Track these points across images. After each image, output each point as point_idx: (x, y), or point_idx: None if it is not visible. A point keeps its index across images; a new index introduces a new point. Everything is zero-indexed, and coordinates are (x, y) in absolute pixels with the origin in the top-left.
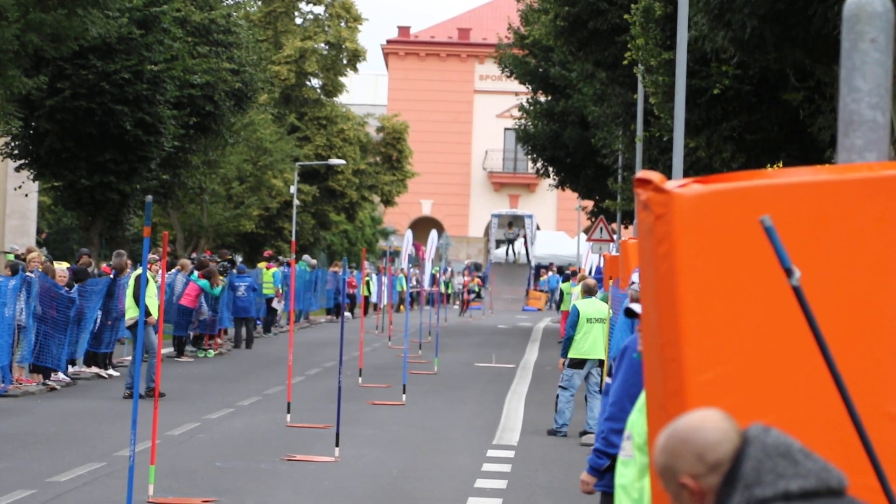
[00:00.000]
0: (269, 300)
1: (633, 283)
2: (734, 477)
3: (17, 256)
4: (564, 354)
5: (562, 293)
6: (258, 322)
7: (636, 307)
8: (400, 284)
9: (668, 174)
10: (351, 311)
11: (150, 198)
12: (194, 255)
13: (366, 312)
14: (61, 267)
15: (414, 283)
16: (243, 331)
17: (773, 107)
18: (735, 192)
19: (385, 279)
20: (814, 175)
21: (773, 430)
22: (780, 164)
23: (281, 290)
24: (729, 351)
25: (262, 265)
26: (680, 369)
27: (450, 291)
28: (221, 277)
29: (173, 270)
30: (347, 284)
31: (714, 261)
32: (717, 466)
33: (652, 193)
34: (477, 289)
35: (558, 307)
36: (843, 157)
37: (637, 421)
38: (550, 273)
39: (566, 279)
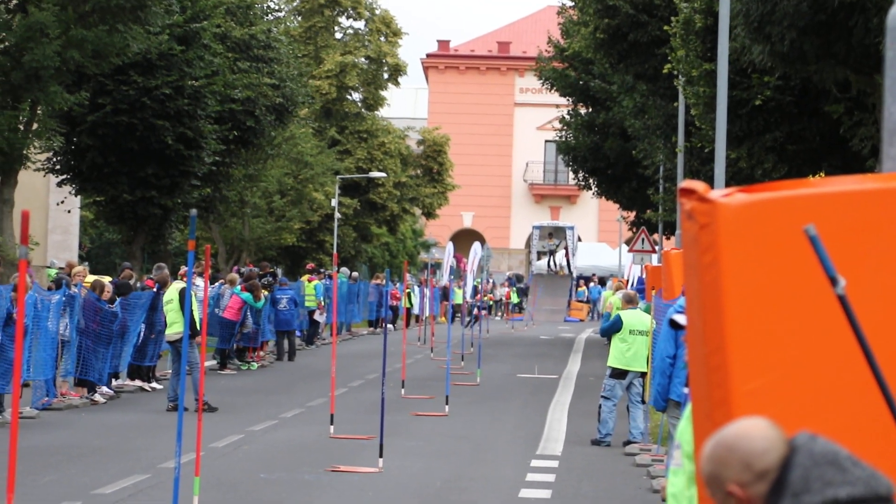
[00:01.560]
0: (311, 312)
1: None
2: (782, 485)
3: (59, 270)
4: (603, 334)
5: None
6: (299, 334)
7: (682, 319)
8: (457, 298)
9: (710, 185)
10: (393, 322)
11: (194, 211)
12: (243, 270)
13: (408, 324)
14: (104, 281)
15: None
16: (285, 343)
17: (815, 117)
18: (779, 201)
19: (427, 291)
20: (858, 184)
21: (820, 437)
22: (822, 175)
23: (323, 303)
24: (775, 359)
25: (304, 278)
26: (726, 378)
27: (491, 303)
28: (264, 291)
29: (216, 284)
30: (391, 296)
31: (759, 270)
32: (764, 475)
33: (696, 203)
34: (517, 300)
35: (601, 317)
36: (888, 166)
37: (685, 429)
38: (592, 284)
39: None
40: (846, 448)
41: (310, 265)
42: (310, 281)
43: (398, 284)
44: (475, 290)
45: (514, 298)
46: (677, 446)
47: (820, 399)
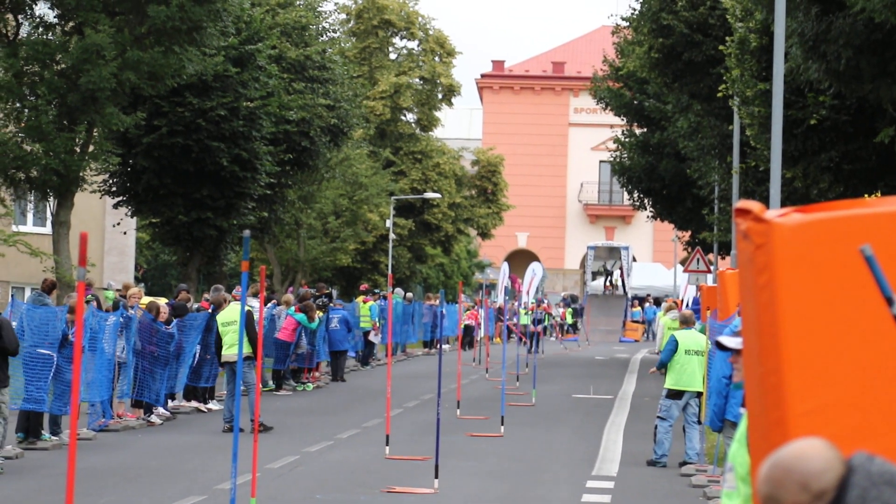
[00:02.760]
0: (367, 333)
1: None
2: None
3: (116, 292)
4: (660, 367)
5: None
6: (353, 355)
7: (727, 341)
8: (522, 319)
9: (766, 205)
10: (470, 344)
11: (247, 232)
12: (300, 291)
13: (468, 345)
14: (161, 303)
15: (510, 315)
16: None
17: (871, 137)
18: (835, 221)
19: (482, 311)
20: None
21: (878, 458)
22: (879, 194)
23: (378, 323)
24: (831, 380)
25: (359, 299)
26: (782, 399)
27: (546, 323)
28: (319, 312)
29: (270, 304)
30: (470, 317)
31: (815, 290)
32: (821, 496)
33: (752, 223)
34: (571, 321)
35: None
36: None
37: (738, 452)
38: (647, 304)
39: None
40: None
41: (364, 286)
42: (365, 302)
43: (477, 307)
44: (537, 303)
45: (569, 319)
46: (730, 468)
47: (877, 419)
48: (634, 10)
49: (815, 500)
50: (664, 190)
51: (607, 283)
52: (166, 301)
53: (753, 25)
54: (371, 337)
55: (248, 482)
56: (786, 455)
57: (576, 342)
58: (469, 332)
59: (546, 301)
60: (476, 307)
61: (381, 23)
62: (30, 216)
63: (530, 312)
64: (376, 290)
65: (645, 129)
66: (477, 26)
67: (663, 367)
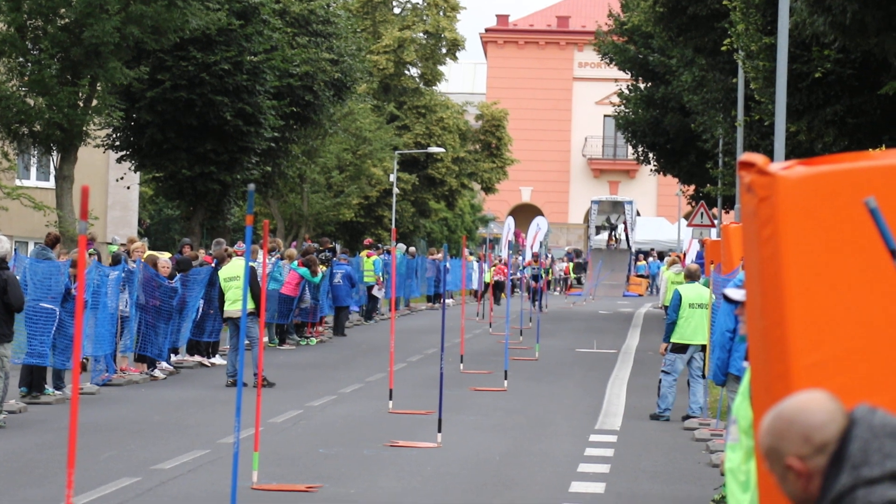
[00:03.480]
0: (370, 288)
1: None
2: (841, 458)
3: (120, 247)
4: (667, 339)
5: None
6: (356, 309)
7: (733, 293)
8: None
9: (770, 159)
10: (497, 300)
11: (252, 186)
12: (305, 244)
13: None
14: (164, 257)
15: (514, 270)
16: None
17: (876, 90)
18: (839, 174)
19: (486, 266)
20: None
21: (880, 410)
22: (883, 148)
23: (382, 278)
24: (834, 333)
25: (363, 254)
26: (785, 352)
27: (550, 278)
28: (322, 266)
29: (273, 259)
30: (498, 272)
31: (818, 243)
32: (823, 448)
33: (756, 176)
34: (573, 276)
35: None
36: None
37: (741, 405)
38: (651, 258)
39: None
40: None
41: (368, 241)
42: (368, 256)
43: (505, 261)
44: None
45: (573, 274)
46: (734, 421)
47: (879, 372)
48: None
49: (817, 452)
50: (668, 144)
51: (611, 238)
52: (170, 255)
53: None
54: (375, 291)
55: (251, 436)
56: (788, 407)
57: (580, 296)
58: (499, 287)
59: (550, 255)
60: (503, 262)
61: None
62: (33, 170)
63: (527, 268)
64: (380, 245)
65: (649, 84)
66: None
67: (671, 328)
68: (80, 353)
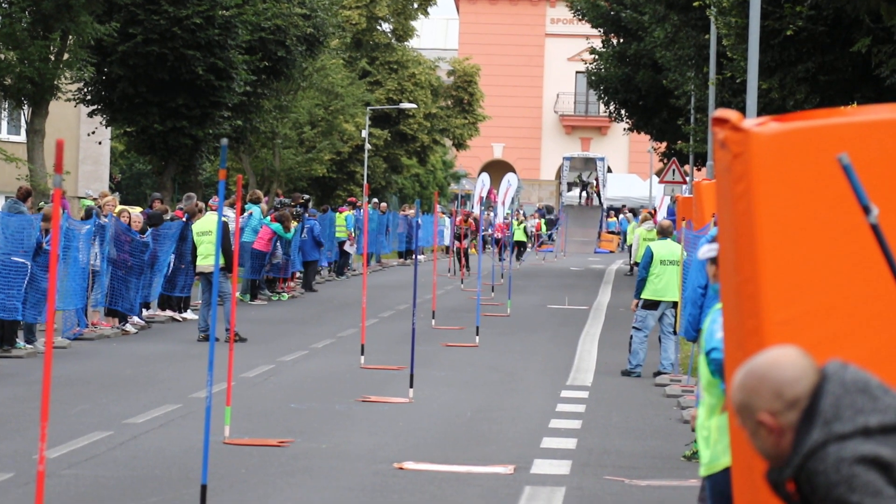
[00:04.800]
0: (342, 244)
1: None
2: (813, 413)
3: (94, 201)
4: (638, 295)
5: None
6: (324, 265)
7: (701, 252)
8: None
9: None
10: (500, 254)
11: (225, 141)
12: (277, 199)
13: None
14: (135, 212)
15: (486, 226)
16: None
17: (847, 47)
18: (813, 130)
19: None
20: (892, 112)
21: (851, 366)
22: (855, 105)
23: (353, 234)
24: (807, 288)
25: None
26: (758, 307)
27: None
28: (294, 222)
29: (245, 214)
30: (497, 229)
31: (792, 199)
32: (795, 403)
33: (729, 132)
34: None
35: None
36: None
37: (701, 363)
38: (622, 215)
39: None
40: (877, 376)
41: (352, 199)
42: (340, 212)
43: (509, 218)
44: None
45: (544, 230)
46: (697, 381)
47: (851, 327)
48: None
49: (789, 407)
50: (640, 101)
51: (583, 194)
52: (141, 210)
53: None
54: (346, 247)
55: (223, 391)
56: (760, 363)
57: (551, 252)
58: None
59: (521, 211)
60: (505, 219)
61: None
62: (4, 124)
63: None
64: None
65: (621, 40)
66: None
67: (642, 284)
68: (55, 306)
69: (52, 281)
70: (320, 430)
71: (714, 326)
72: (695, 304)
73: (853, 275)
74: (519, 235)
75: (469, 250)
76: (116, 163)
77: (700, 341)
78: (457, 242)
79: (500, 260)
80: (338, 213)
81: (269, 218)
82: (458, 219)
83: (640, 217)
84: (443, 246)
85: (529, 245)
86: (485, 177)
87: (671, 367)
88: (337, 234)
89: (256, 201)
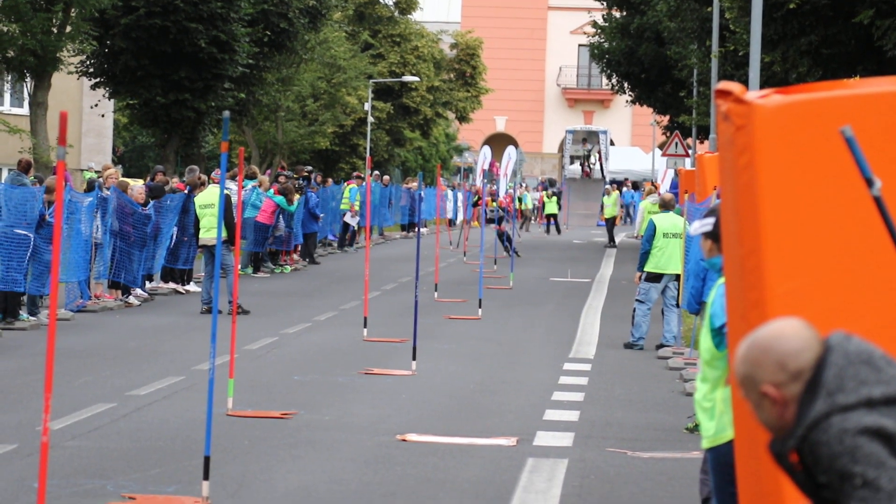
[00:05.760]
0: (344, 215)
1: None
2: (816, 385)
3: (96, 174)
4: (641, 268)
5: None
6: (333, 239)
7: (695, 226)
8: (525, 203)
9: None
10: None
11: (227, 113)
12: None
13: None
14: (138, 184)
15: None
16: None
17: (850, 19)
18: (816, 103)
19: (461, 195)
20: (895, 85)
21: (855, 337)
22: (858, 78)
23: (355, 206)
24: (810, 260)
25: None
26: (761, 279)
27: (523, 207)
28: (297, 194)
29: (249, 187)
30: (501, 202)
31: (795, 171)
32: (798, 375)
33: (733, 104)
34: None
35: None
36: None
37: (704, 336)
38: (625, 188)
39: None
40: (881, 348)
41: (358, 174)
42: (348, 185)
43: (517, 190)
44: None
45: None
46: (700, 353)
47: (854, 299)
48: None
49: (793, 379)
50: (643, 74)
51: (585, 167)
52: (143, 182)
53: None
54: (346, 218)
55: (226, 363)
56: (763, 335)
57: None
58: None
59: (524, 184)
60: (510, 190)
61: None
62: (7, 97)
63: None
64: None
65: (624, 13)
66: None
67: (645, 257)
68: (58, 278)
69: (55, 253)
70: (323, 403)
71: (721, 301)
72: (697, 276)
73: (856, 247)
74: (550, 208)
75: (509, 232)
76: (119, 135)
77: (704, 315)
78: (493, 225)
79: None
80: (346, 186)
81: (272, 191)
82: (476, 196)
83: (646, 190)
84: (445, 219)
85: (532, 218)
86: (486, 150)
87: (674, 339)
88: (342, 208)
89: (252, 177)
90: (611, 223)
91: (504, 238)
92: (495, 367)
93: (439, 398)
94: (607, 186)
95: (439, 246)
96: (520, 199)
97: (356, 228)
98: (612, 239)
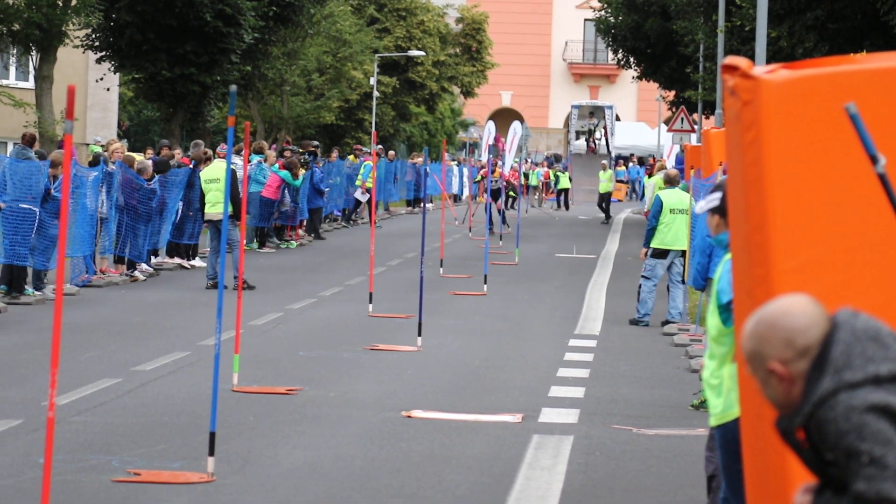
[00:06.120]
0: (354, 191)
1: None
2: (823, 361)
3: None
4: (647, 244)
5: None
6: (339, 214)
7: (700, 204)
8: (534, 178)
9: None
10: (512, 205)
11: (234, 87)
12: (287, 148)
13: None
14: (146, 161)
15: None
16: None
17: None
18: (823, 78)
19: (466, 171)
20: None
21: (862, 314)
22: (865, 53)
23: (367, 184)
24: (816, 237)
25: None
26: (767, 255)
27: (532, 183)
28: (302, 169)
29: (255, 161)
30: (507, 177)
31: (802, 147)
32: (805, 351)
33: (739, 79)
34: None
35: (641, 197)
36: None
37: (711, 314)
38: (631, 164)
39: (650, 174)
40: (888, 324)
41: (357, 146)
42: (364, 161)
43: (522, 166)
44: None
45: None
46: (706, 332)
47: (861, 276)
48: None
49: (800, 356)
50: (649, 49)
51: (591, 143)
52: (145, 156)
53: None
54: (357, 194)
55: (231, 338)
56: (771, 311)
57: (554, 202)
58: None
59: (530, 160)
60: (516, 165)
61: None
62: (12, 70)
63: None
64: (367, 151)
65: None
66: None
67: (651, 233)
68: (65, 253)
69: (62, 228)
70: (328, 379)
71: (728, 277)
72: (703, 252)
73: (862, 224)
74: (564, 183)
75: (505, 208)
76: (125, 110)
77: (711, 291)
78: (488, 198)
79: (531, 206)
80: (363, 162)
81: (276, 165)
82: (482, 171)
83: (657, 166)
84: (451, 194)
85: (537, 193)
86: (490, 125)
87: (679, 316)
88: (356, 182)
89: (259, 151)
90: (605, 198)
91: (500, 214)
92: (500, 344)
93: (445, 374)
94: (603, 162)
95: (445, 221)
96: (525, 175)
97: (363, 204)
98: (607, 214)
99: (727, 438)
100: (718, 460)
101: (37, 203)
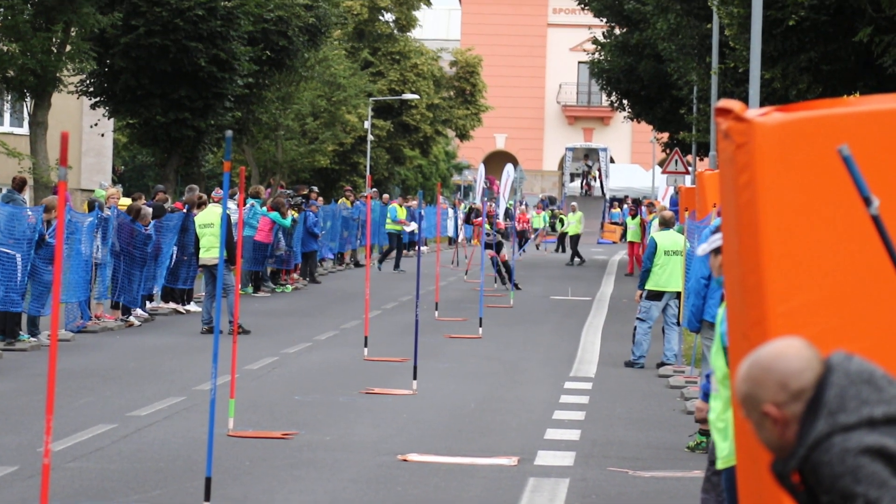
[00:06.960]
0: (395, 235)
1: None
2: (818, 404)
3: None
4: (642, 286)
5: (625, 226)
6: (331, 257)
7: (702, 247)
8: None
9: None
10: (522, 246)
11: (230, 132)
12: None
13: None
14: (140, 205)
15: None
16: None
17: (850, 36)
18: (816, 121)
19: (460, 214)
20: (895, 102)
21: (856, 357)
22: (857, 95)
23: (404, 220)
24: (810, 279)
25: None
26: (762, 298)
27: (536, 225)
28: (293, 211)
29: (248, 205)
30: (518, 220)
31: (795, 189)
32: (800, 394)
33: (733, 122)
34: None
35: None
36: None
37: (716, 355)
38: (625, 205)
39: (633, 215)
40: (882, 367)
41: (348, 189)
42: (391, 204)
43: (528, 208)
44: (507, 214)
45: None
46: (712, 373)
47: (855, 319)
48: None
49: (794, 398)
50: (642, 91)
51: (585, 185)
52: (145, 202)
53: None
54: (407, 230)
55: (227, 383)
56: (765, 354)
57: (553, 244)
58: (522, 236)
59: (524, 203)
60: (522, 208)
61: None
62: (6, 116)
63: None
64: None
65: (624, 30)
66: None
67: (646, 275)
68: (59, 298)
69: (56, 273)
70: (324, 423)
71: None
72: (698, 294)
73: (856, 266)
74: (574, 229)
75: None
76: (119, 155)
77: (714, 332)
78: (490, 252)
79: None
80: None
81: (265, 209)
82: (477, 220)
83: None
84: (446, 237)
85: (531, 236)
86: (481, 168)
87: (675, 357)
88: (390, 227)
89: (256, 196)
90: (574, 240)
91: (501, 266)
92: (496, 386)
93: (440, 417)
94: (573, 203)
95: (440, 265)
96: (545, 219)
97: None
98: (574, 256)
99: (734, 481)
100: (727, 503)
101: (19, 247)
